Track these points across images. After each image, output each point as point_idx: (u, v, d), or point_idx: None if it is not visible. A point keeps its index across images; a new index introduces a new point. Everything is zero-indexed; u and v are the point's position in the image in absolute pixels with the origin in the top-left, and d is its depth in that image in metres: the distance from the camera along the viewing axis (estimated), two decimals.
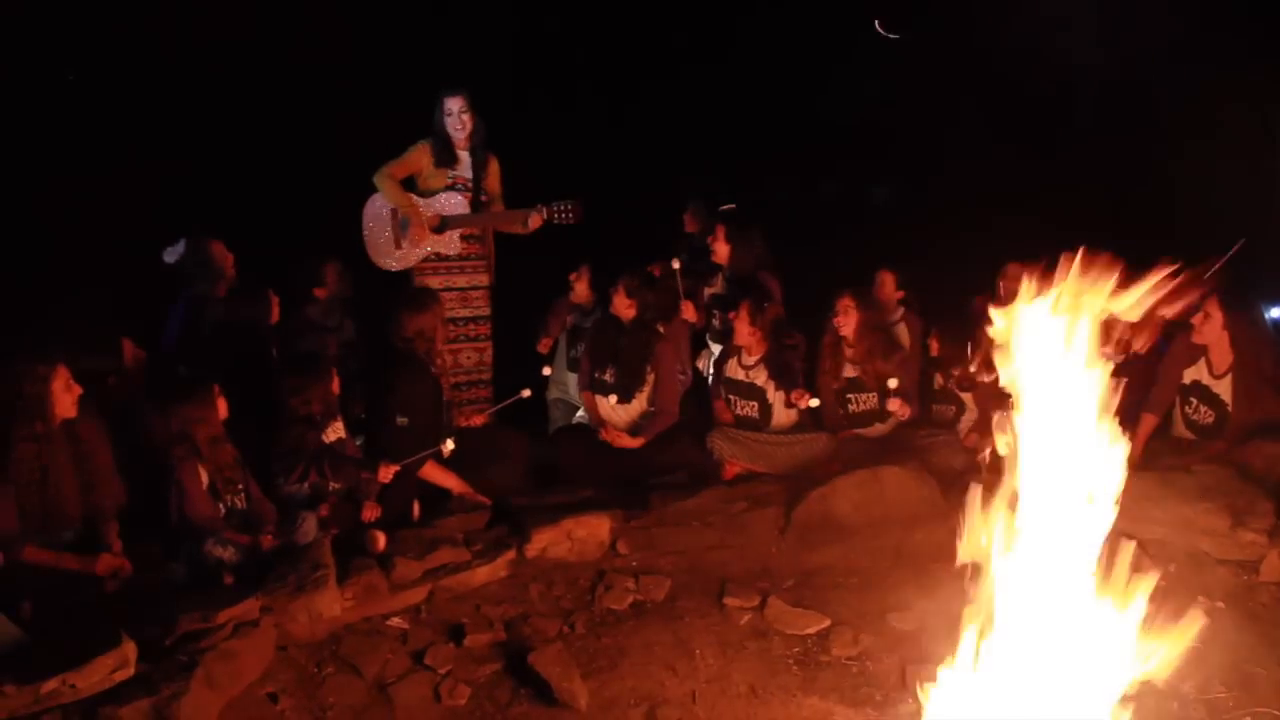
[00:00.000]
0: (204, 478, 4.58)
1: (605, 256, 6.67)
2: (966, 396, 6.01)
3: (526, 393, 5.84)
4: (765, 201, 7.39)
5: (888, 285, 6.83)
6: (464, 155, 6.18)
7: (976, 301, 7.05)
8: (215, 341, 5.54)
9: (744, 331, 5.90)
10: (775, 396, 5.91)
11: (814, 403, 5.82)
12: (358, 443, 5.26)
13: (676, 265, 6.41)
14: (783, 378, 5.89)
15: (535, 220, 6.13)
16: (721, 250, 6.52)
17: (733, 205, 7.03)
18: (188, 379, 4.92)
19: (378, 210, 6.21)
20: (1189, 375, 5.41)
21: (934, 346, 6.03)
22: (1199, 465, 5.05)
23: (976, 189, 8.16)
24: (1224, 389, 5.30)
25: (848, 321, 5.93)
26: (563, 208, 6.11)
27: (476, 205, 6.20)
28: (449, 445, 5.04)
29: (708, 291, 6.71)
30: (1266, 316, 5.42)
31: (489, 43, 8.55)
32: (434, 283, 6.22)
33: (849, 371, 6.03)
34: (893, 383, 5.82)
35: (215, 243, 5.99)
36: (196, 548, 4.34)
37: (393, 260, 6.20)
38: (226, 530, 4.49)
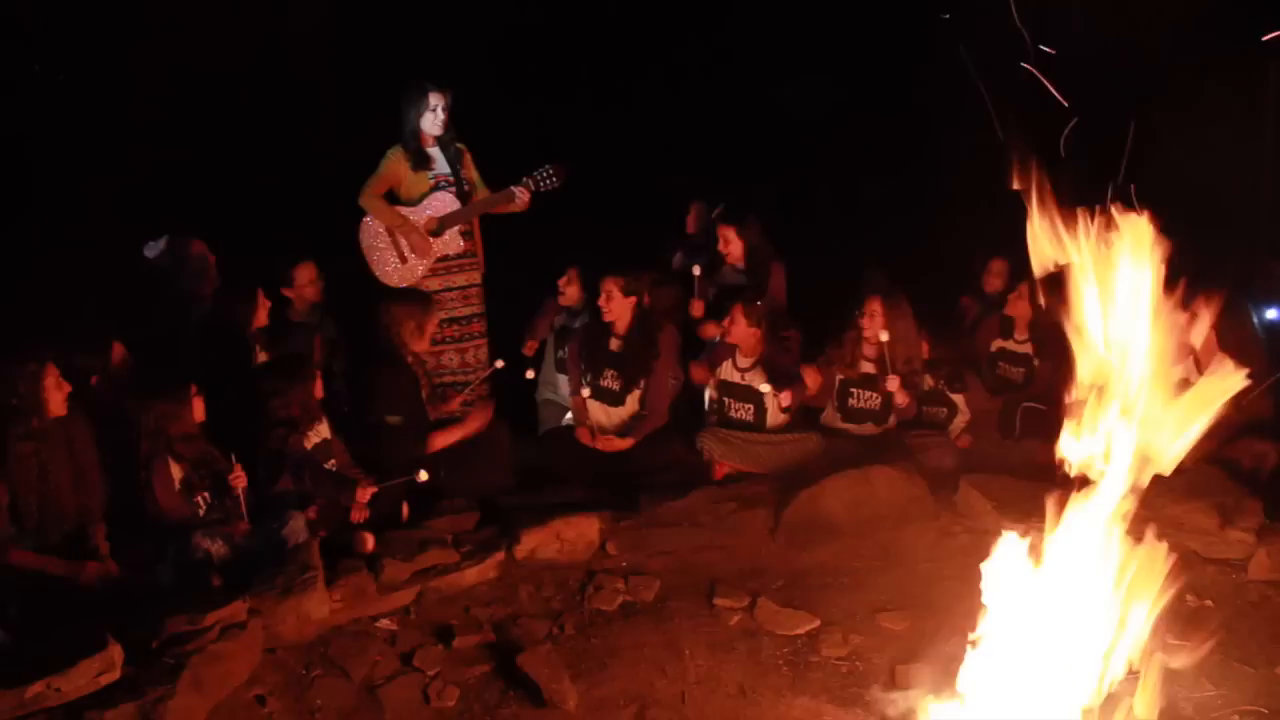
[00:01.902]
0: (176, 474, 4.56)
1: (595, 257, 6.66)
2: (958, 398, 6.01)
3: (500, 363, 6.10)
4: (757, 198, 7.33)
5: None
6: (434, 153, 6.12)
7: (962, 302, 7.08)
8: (198, 342, 5.50)
9: (740, 333, 5.88)
10: (770, 399, 5.89)
11: (782, 397, 5.81)
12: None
13: (697, 271, 6.38)
14: (778, 379, 5.87)
15: (523, 194, 6.05)
16: (736, 250, 6.50)
17: (721, 208, 6.99)
18: (165, 375, 4.87)
19: (373, 232, 6.15)
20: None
21: (925, 348, 6.02)
22: (1187, 465, 5.05)
23: (966, 185, 8.14)
24: None
25: (872, 325, 5.89)
26: (545, 174, 6.02)
27: (463, 198, 6.16)
28: (423, 475, 5.01)
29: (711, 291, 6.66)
30: (1255, 316, 5.42)
31: (477, 39, 8.52)
32: (434, 284, 6.15)
33: (864, 368, 6.03)
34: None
35: (197, 242, 5.95)
36: (184, 542, 4.32)
37: (401, 276, 6.14)
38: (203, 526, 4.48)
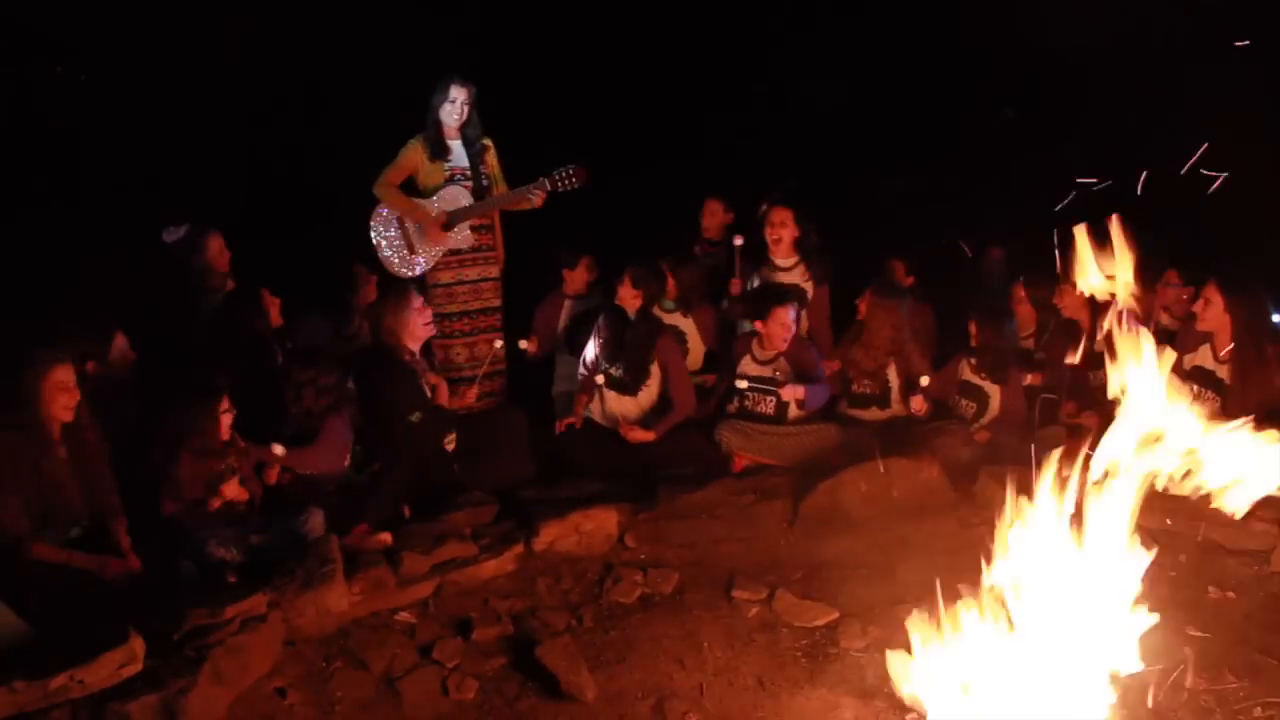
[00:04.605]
0: (196, 478, 4.57)
1: (614, 249, 6.69)
2: (994, 389, 5.94)
3: (498, 343, 6.15)
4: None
5: (897, 272, 6.86)
6: (455, 145, 6.14)
7: (988, 257, 7.05)
8: (210, 340, 5.50)
9: (784, 332, 5.91)
10: (788, 396, 5.89)
11: (799, 394, 5.83)
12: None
13: (739, 242, 6.35)
14: (800, 375, 5.89)
15: (539, 194, 6.06)
16: (788, 237, 6.38)
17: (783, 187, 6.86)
18: (198, 382, 4.85)
19: (385, 221, 6.16)
20: (1191, 361, 5.38)
21: (975, 334, 5.99)
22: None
23: (983, 174, 8.11)
24: (1227, 373, 5.28)
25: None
26: (565, 174, 5.97)
27: (479, 193, 6.17)
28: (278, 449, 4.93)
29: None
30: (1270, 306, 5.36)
31: (505, 30, 8.54)
32: (446, 277, 6.19)
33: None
34: (924, 380, 5.79)
35: (215, 237, 5.98)
36: (200, 548, 4.35)
37: (411, 267, 6.15)
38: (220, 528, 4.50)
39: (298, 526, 4.54)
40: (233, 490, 4.68)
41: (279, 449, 4.86)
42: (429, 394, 5.55)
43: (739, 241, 6.37)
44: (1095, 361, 5.98)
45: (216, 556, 4.34)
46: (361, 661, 3.95)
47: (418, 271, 6.15)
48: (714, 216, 6.93)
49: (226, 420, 4.66)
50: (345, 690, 3.79)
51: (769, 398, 5.92)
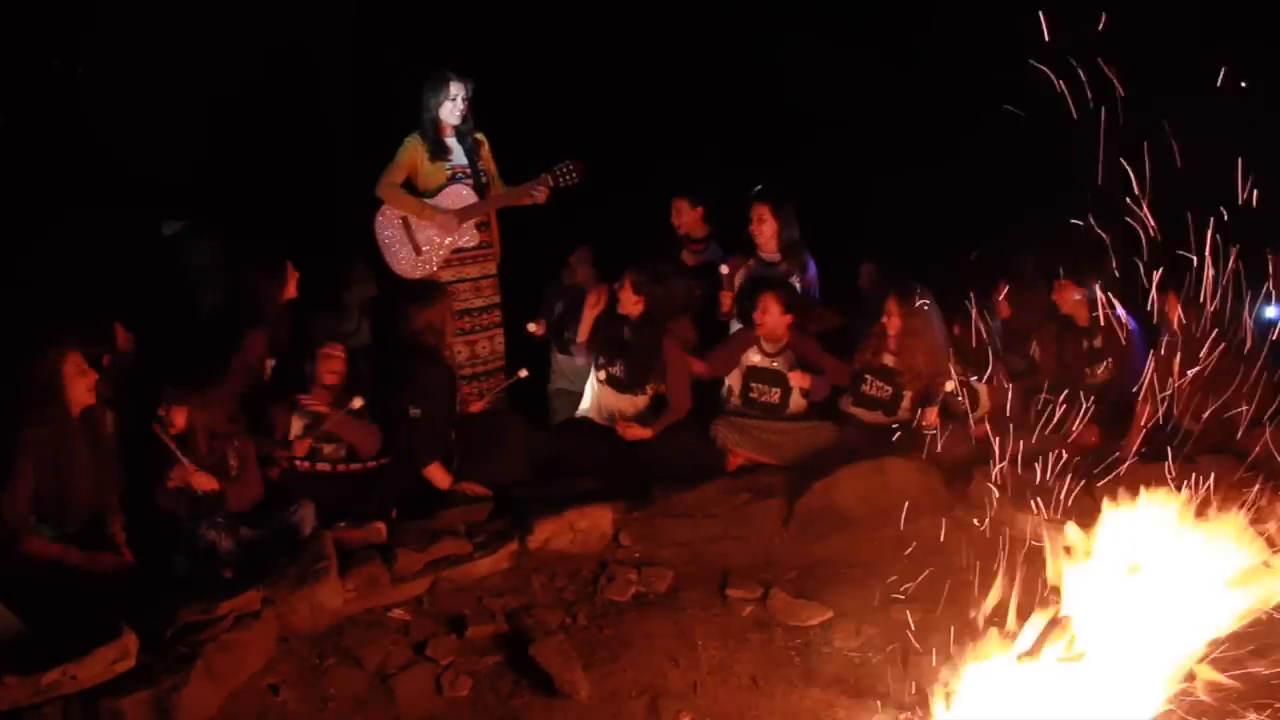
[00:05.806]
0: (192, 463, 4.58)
1: (610, 246, 6.67)
2: (982, 388, 5.94)
3: (523, 372, 5.96)
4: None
5: (871, 275, 6.90)
6: (452, 143, 6.11)
7: (964, 263, 7.01)
8: (211, 324, 5.48)
9: (773, 321, 5.90)
10: (795, 383, 5.94)
11: (806, 382, 5.88)
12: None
13: (725, 270, 6.36)
14: (803, 367, 5.93)
15: (542, 189, 6.04)
16: (768, 231, 6.38)
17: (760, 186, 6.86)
18: (203, 368, 4.84)
19: (387, 222, 6.13)
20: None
21: (957, 333, 5.97)
22: (1204, 456, 5.02)
23: (971, 173, 8.10)
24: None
25: (891, 324, 5.91)
26: (565, 169, 5.98)
27: (479, 190, 6.15)
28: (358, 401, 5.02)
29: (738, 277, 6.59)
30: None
31: (492, 28, 8.52)
32: (447, 275, 6.14)
33: (884, 359, 6.01)
34: (949, 385, 5.76)
35: (213, 235, 5.96)
36: (190, 531, 4.35)
37: (415, 267, 6.13)
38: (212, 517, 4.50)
39: (288, 517, 4.53)
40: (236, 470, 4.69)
41: (359, 402, 5.04)
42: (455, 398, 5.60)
43: (725, 270, 6.36)
44: (1091, 358, 6.04)
45: (207, 539, 4.32)
46: (355, 658, 3.95)
47: (422, 271, 6.12)
48: (681, 215, 6.88)
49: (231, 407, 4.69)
50: (338, 687, 3.79)
51: (774, 389, 5.96)
